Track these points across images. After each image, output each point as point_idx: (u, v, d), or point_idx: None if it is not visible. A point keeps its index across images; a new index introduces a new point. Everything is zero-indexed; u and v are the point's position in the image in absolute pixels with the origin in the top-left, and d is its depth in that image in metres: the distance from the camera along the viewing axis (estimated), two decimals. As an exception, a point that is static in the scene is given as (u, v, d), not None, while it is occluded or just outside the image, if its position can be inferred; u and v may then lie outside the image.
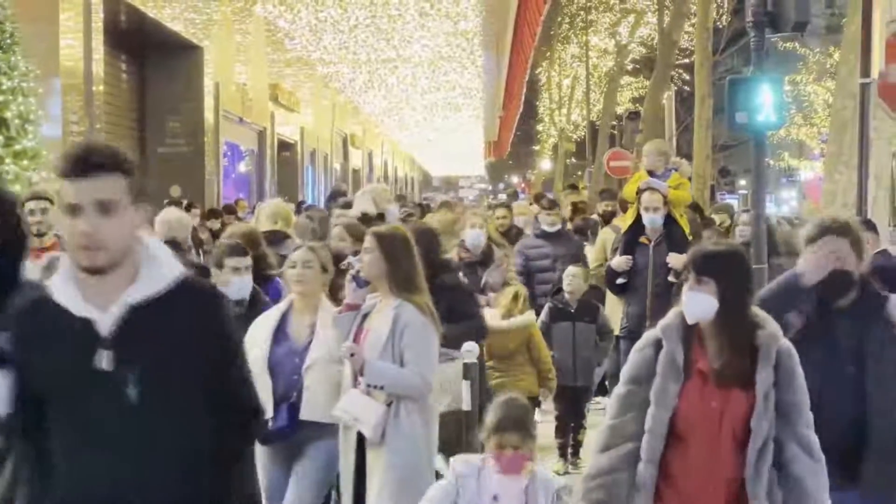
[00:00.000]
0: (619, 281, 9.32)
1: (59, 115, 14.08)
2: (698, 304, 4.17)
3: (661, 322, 4.27)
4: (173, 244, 8.32)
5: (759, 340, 4.15)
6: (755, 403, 4.09)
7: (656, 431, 4.15)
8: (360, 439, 5.65)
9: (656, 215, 9.17)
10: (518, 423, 4.54)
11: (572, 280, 9.40)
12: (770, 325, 4.20)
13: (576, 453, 9.36)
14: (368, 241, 5.80)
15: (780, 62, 31.00)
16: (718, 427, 4.11)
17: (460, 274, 8.74)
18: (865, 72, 10.01)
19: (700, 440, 4.14)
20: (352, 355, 5.53)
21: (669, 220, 9.30)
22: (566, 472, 8.96)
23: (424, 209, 19.61)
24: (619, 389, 4.31)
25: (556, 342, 9.13)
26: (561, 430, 9.39)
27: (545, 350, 8.80)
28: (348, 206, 9.64)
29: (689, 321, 4.19)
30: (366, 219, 8.39)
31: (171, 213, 8.92)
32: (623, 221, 10.24)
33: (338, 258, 6.75)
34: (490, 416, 4.57)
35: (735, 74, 8.96)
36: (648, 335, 4.31)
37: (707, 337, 4.20)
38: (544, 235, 10.86)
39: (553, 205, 11.33)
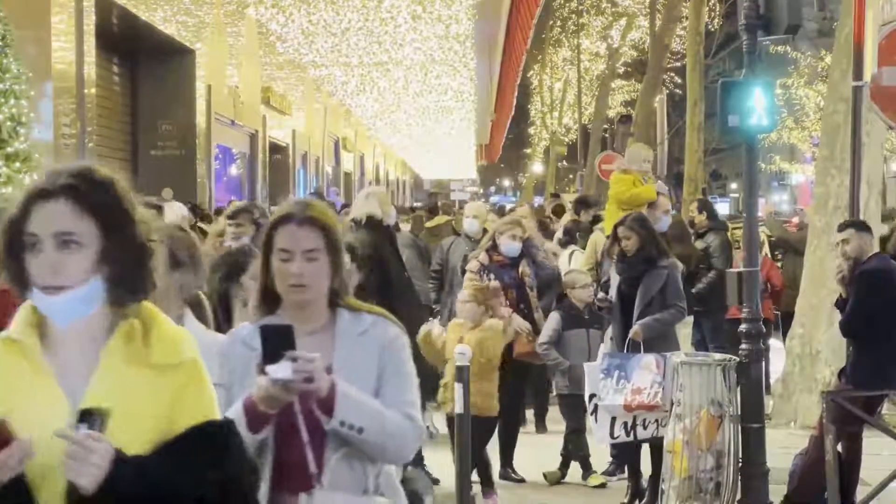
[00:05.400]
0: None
1: (50, 117, 14.04)
2: None
3: None
4: None
5: None
6: None
7: None
8: None
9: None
10: None
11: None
12: None
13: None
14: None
15: (771, 66, 31.05)
16: None
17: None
18: (858, 75, 9.99)
19: None
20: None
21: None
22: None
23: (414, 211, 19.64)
24: None
25: (573, 349, 8.87)
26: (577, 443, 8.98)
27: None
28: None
29: None
30: (372, 223, 8.21)
31: None
32: (607, 223, 10.25)
33: None
34: None
35: (727, 78, 8.95)
36: None
37: None
38: None
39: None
